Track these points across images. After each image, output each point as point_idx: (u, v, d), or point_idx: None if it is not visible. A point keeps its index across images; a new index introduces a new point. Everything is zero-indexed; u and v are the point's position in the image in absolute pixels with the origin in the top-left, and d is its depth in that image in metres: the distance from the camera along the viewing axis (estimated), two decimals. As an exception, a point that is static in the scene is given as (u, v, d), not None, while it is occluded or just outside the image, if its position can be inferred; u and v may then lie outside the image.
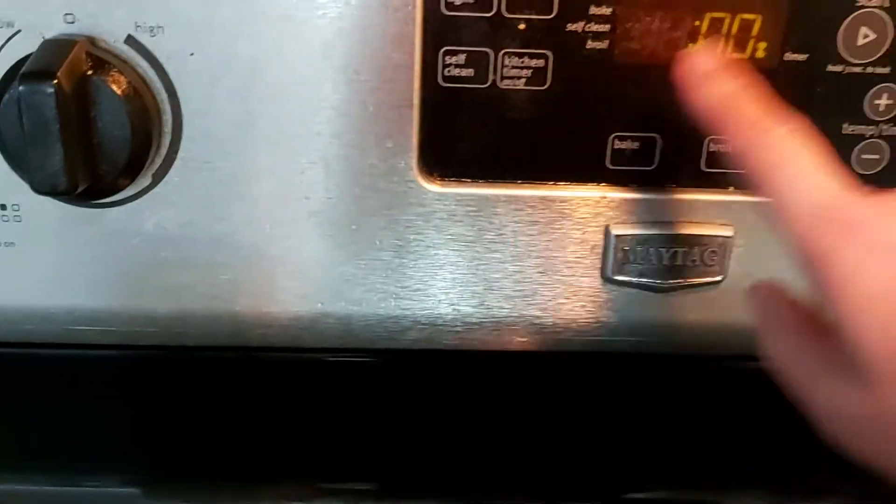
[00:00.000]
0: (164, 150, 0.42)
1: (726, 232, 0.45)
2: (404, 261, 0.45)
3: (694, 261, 0.45)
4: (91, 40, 0.40)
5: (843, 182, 0.35)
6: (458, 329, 0.47)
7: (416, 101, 0.42)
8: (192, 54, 0.41)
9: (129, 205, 0.43)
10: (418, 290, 0.46)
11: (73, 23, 0.40)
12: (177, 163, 0.43)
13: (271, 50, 0.41)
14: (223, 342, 0.48)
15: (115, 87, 0.40)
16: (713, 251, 0.45)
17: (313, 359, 0.49)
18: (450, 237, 0.45)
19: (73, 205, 0.43)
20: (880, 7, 0.41)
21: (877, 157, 0.44)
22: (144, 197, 0.43)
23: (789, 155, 0.36)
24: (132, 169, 0.41)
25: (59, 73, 0.37)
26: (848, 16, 0.41)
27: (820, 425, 0.36)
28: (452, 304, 0.47)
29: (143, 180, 0.43)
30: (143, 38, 0.40)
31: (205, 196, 0.43)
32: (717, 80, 0.39)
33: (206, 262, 0.45)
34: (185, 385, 0.51)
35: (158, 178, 0.43)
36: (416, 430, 0.51)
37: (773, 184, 0.36)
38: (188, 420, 0.51)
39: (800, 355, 0.37)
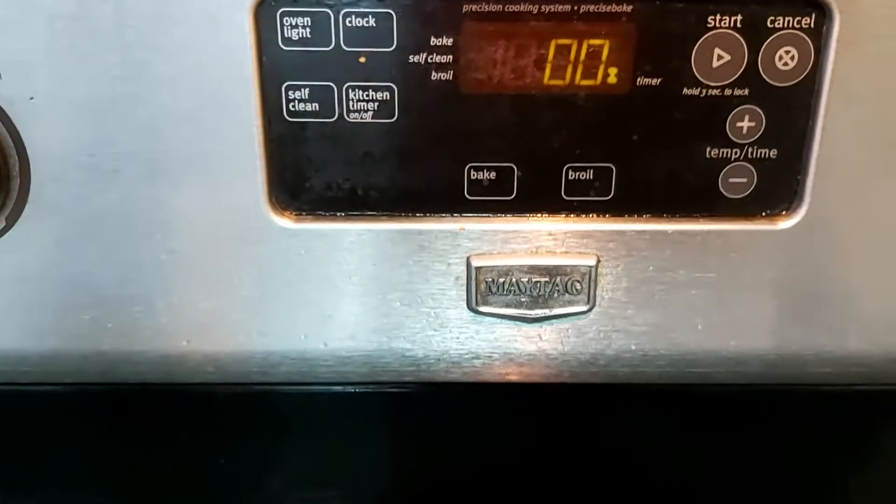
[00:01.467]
0: (13, 194, 0.42)
1: (589, 261, 0.44)
2: (266, 298, 0.45)
3: (558, 291, 0.44)
4: (-69, 88, 0.40)
5: None
6: (330, 363, 0.47)
7: (261, 137, 0.41)
8: (32, 99, 0.40)
9: (-15, 248, 0.43)
10: (283, 326, 0.45)
11: None
12: (28, 206, 0.42)
13: (109, 94, 0.40)
14: (95, 379, 0.47)
15: (-46, 134, 0.40)
16: (577, 281, 0.44)
17: (187, 392, 0.48)
18: (309, 273, 0.44)
19: (-75, 250, 0.43)
20: (732, 28, 0.40)
21: (744, 180, 0.43)
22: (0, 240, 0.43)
23: None
24: (-21, 214, 0.41)
25: None
26: (699, 38, 0.40)
27: None
28: (321, 339, 0.46)
29: (-4, 224, 0.43)
30: (-18, 85, 0.40)
31: (59, 238, 0.43)
32: None
33: (67, 303, 0.45)
34: (64, 421, 0.51)
35: (12, 221, 0.43)
36: (292, 463, 0.50)
37: None
38: (67, 453, 0.51)
39: None
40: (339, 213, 0.43)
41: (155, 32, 0.39)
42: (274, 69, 0.40)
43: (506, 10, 0.40)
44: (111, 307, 0.45)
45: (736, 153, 0.42)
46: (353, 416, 0.50)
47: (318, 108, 0.41)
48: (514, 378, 0.47)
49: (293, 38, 0.40)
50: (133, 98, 0.40)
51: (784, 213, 0.43)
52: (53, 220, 0.43)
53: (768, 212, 0.43)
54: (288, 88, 0.41)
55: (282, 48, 0.40)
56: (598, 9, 0.40)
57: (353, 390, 0.48)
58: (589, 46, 0.40)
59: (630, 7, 0.40)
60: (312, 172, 0.43)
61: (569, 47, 0.40)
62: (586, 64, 0.41)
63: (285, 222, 0.43)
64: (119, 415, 0.50)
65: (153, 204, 0.43)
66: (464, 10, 0.40)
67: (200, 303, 0.45)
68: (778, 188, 0.43)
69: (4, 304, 0.45)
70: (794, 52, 0.40)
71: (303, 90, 0.41)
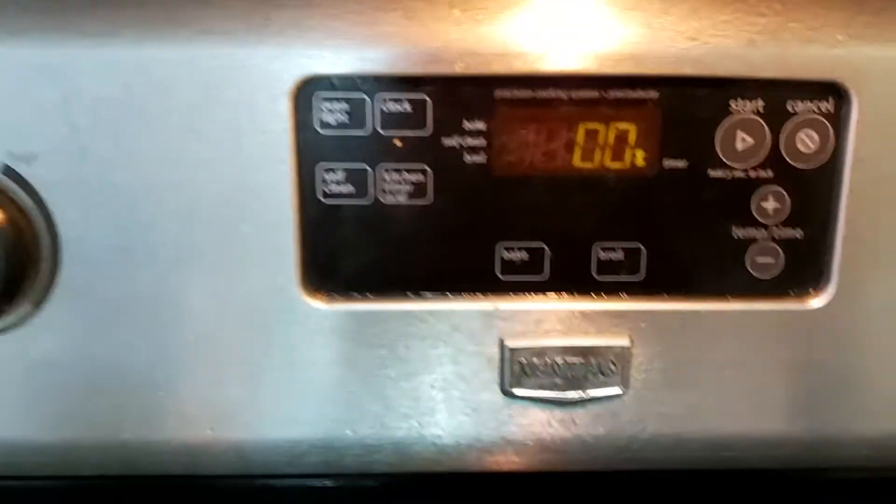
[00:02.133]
0: (43, 277, 0.42)
1: (623, 341, 0.44)
2: (295, 383, 0.44)
3: (593, 372, 0.44)
4: (-33, 170, 0.40)
5: None
6: (358, 452, 0.45)
7: (295, 219, 0.42)
8: (68, 182, 0.41)
9: (10, 333, 0.43)
10: (311, 412, 0.44)
11: (-52, 154, 0.40)
12: (57, 289, 0.42)
13: (146, 178, 0.41)
14: (113, 471, 0.46)
15: (-11, 217, 0.40)
16: (612, 361, 0.44)
17: (208, 486, 0.47)
18: (340, 356, 0.44)
19: (-50, 335, 0.42)
20: (754, 112, 0.41)
21: (771, 260, 0.44)
22: (26, 324, 0.43)
23: None
24: (8, 296, 0.41)
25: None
26: (722, 122, 0.42)
27: None
28: (350, 426, 0.45)
29: (24, 307, 0.42)
30: (20, 168, 0.41)
31: (86, 321, 0.43)
32: None
33: (90, 389, 0.44)
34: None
35: (39, 304, 0.42)
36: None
37: None
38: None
39: None
40: (371, 295, 0.43)
41: (197, 117, 0.40)
42: (310, 151, 0.41)
43: (536, 95, 0.41)
44: (136, 393, 0.44)
45: (762, 233, 0.43)
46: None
47: (352, 191, 0.42)
48: (549, 466, 0.46)
49: (330, 121, 0.41)
50: (171, 182, 0.41)
51: (812, 292, 0.44)
52: (81, 303, 0.42)
53: (796, 291, 0.44)
54: (323, 170, 0.42)
55: (318, 131, 0.41)
56: (624, 95, 0.41)
57: (378, 483, 0.47)
58: (617, 130, 0.42)
59: (655, 93, 0.41)
60: (346, 254, 0.43)
61: (597, 131, 0.42)
62: (614, 147, 0.42)
63: (318, 304, 0.43)
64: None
65: (184, 287, 0.42)
66: (496, 95, 0.41)
67: (227, 389, 0.44)
68: (805, 268, 0.44)
69: (25, 390, 0.44)
70: (814, 135, 0.42)
71: (338, 172, 0.42)
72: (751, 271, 0.44)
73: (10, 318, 0.42)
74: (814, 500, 0.48)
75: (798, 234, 0.43)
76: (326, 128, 0.41)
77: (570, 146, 0.42)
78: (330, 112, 0.41)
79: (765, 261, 0.44)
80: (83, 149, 0.40)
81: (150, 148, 0.41)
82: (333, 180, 0.42)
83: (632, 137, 0.42)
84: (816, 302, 0.44)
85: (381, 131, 0.41)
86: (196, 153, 0.41)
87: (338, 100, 0.41)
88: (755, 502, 0.48)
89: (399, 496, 0.48)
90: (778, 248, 0.43)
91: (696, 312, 0.44)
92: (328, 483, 0.47)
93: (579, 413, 0.45)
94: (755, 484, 0.48)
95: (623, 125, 0.42)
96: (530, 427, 0.45)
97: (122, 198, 0.41)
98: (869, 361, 0.45)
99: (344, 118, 0.41)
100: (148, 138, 0.40)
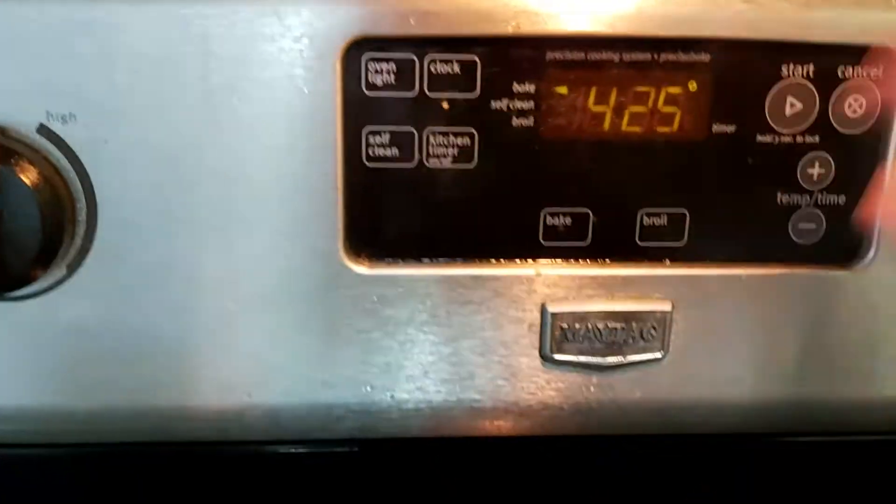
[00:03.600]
0: (78, 240, 0.41)
1: (664, 307, 0.44)
2: (334, 347, 0.43)
3: (633, 337, 0.44)
4: (1, 130, 0.39)
5: None
6: (394, 417, 0.45)
7: (339, 182, 0.41)
8: (106, 142, 0.39)
9: (43, 297, 0.41)
10: (350, 377, 0.44)
11: (-18, 113, 0.39)
12: (92, 252, 0.41)
13: (187, 138, 0.40)
14: (145, 438, 0.45)
15: (24, 178, 0.38)
16: (652, 327, 0.44)
17: (242, 452, 0.46)
18: (381, 321, 0.43)
19: (-18, 298, 0.41)
20: (805, 77, 0.41)
21: (813, 226, 0.44)
22: (59, 288, 0.41)
23: None
24: (44, 260, 0.39)
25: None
26: (772, 87, 0.41)
27: None
28: (387, 391, 0.45)
29: (58, 271, 0.41)
30: (56, 127, 0.39)
31: (122, 286, 0.42)
32: None
33: (125, 356, 0.43)
34: (110, 482, 0.48)
35: (73, 268, 0.41)
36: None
37: None
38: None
39: None
40: (414, 259, 0.43)
41: (239, 75, 0.39)
42: (356, 113, 0.40)
43: (588, 58, 0.40)
44: (172, 359, 0.43)
45: (806, 199, 0.43)
46: (414, 473, 0.48)
47: (397, 154, 0.41)
48: (584, 430, 0.46)
49: (377, 83, 0.40)
50: (212, 142, 0.40)
51: (853, 258, 0.44)
52: (117, 267, 0.41)
53: (837, 258, 0.44)
54: (369, 133, 0.41)
55: (365, 93, 0.40)
56: (676, 58, 0.41)
57: (413, 447, 0.46)
58: (667, 94, 0.41)
59: (707, 56, 0.41)
60: (389, 218, 0.42)
61: (647, 95, 0.41)
62: (663, 111, 0.41)
63: (361, 269, 0.42)
64: (166, 476, 0.47)
65: (224, 251, 0.41)
66: (547, 57, 0.40)
67: (265, 354, 0.43)
68: (847, 235, 0.44)
69: (57, 356, 0.43)
70: (862, 100, 0.42)
71: (383, 135, 0.41)
72: (793, 237, 0.44)
73: (43, 282, 0.41)
74: (845, 463, 0.49)
75: (841, 200, 0.43)
76: (373, 89, 0.40)
77: (619, 110, 0.41)
78: (377, 73, 0.40)
79: (807, 227, 0.44)
80: (122, 108, 0.39)
81: (190, 107, 0.39)
82: (379, 143, 0.41)
83: (681, 102, 0.41)
84: (857, 268, 0.44)
85: (428, 93, 0.40)
86: (238, 113, 0.39)
87: (385, 60, 0.39)
88: (791, 467, 0.48)
89: (435, 461, 0.47)
90: (821, 214, 0.43)
91: (738, 278, 0.44)
92: (356, 449, 0.47)
93: (617, 377, 0.45)
94: (790, 449, 0.48)
95: (673, 89, 0.41)
96: (567, 391, 0.45)
97: (160, 159, 0.40)
98: (905, 327, 0.45)
99: (391, 79, 0.40)
100: (188, 97, 0.39)
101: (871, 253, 0.44)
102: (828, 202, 0.43)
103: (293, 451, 0.47)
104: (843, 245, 0.44)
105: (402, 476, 0.48)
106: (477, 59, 0.40)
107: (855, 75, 0.41)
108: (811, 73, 0.41)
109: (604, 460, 0.48)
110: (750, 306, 0.44)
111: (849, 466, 0.49)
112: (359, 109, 0.40)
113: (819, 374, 0.46)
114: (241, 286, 0.42)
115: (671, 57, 0.41)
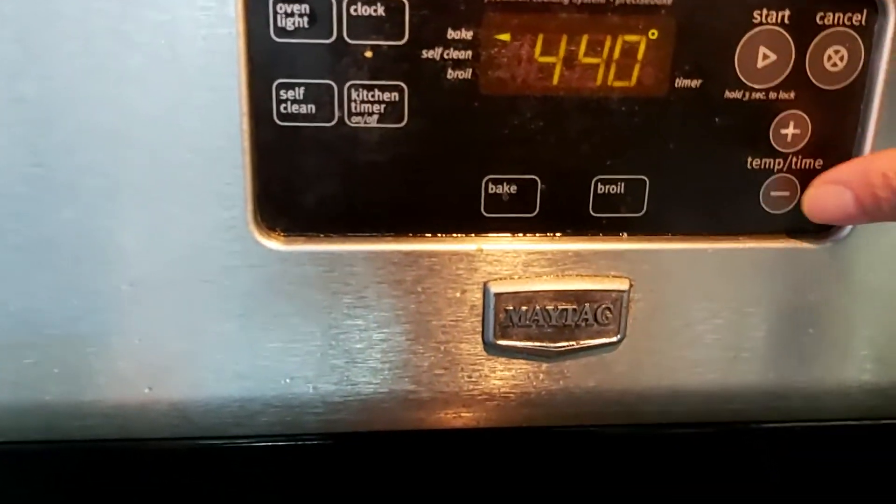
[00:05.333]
0: (-60, 213, 0.35)
1: (621, 285, 0.39)
2: (247, 334, 0.38)
3: (586, 320, 0.39)
4: None
5: None
6: (319, 410, 0.40)
7: (246, 143, 0.35)
8: (-33, 95, 0.34)
9: None
10: (266, 366, 0.39)
11: None
12: (-41, 227, 0.35)
13: (63, 93, 0.34)
14: (37, 436, 0.40)
15: None
16: (607, 308, 0.39)
17: (145, 449, 0.41)
18: (300, 303, 0.38)
19: None
20: (779, 24, 0.36)
21: (787, 193, 0.39)
22: (-79, 269, 0.36)
23: None
24: None
25: None
26: (743, 35, 0.36)
27: None
28: (309, 382, 0.39)
29: (-83, 249, 0.35)
30: None
31: (-3, 265, 0.36)
32: None
33: (6, 345, 0.37)
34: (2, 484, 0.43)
35: (-63, 245, 0.35)
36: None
37: None
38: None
39: None
40: (336, 234, 0.37)
41: (125, 18, 0.33)
42: (264, 64, 0.35)
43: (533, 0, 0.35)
44: (59, 349, 0.38)
45: (779, 164, 0.39)
46: (342, 472, 0.43)
47: (314, 111, 0.35)
48: (532, 421, 0.41)
49: (288, 27, 0.34)
50: (95, 97, 0.34)
51: (829, 230, 0.40)
52: (-10, 244, 0.36)
53: (812, 229, 0.40)
54: (280, 87, 0.35)
55: (274, 39, 0.34)
56: (635, 1, 0.35)
57: (342, 444, 0.42)
58: (624, 43, 0.36)
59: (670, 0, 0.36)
60: (306, 185, 0.37)
61: (602, 43, 0.36)
62: (620, 63, 0.36)
63: (273, 244, 0.37)
64: (63, 478, 0.42)
65: (114, 225, 0.36)
66: (486, -1, 0.35)
67: (167, 342, 0.38)
68: (823, 202, 0.39)
69: (-75, 347, 0.37)
70: (843, 51, 0.37)
71: (297, 89, 0.35)
72: (764, 206, 0.39)
73: None
74: (814, 455, 0.45)
75: (818, 164, 0.39)
76: (283, 35, 0.34)
77: (569, 61, 0.36)
78: (287, 15, 0.34)
79: (780, 194, 0.39)
80: (-18, 56, 0.33)
81: (67, 55, 0.33)
82: (292, 98, 0.35)
83: (641, 51, 0.36)
84: (833, 241, 0.39)
85: (348, 40, 0.35)
86: (124, 63, 0.34)
87: (298, 1, 0.34)
88: (752, 459, 0.44)
89: (366, 457, 0.43)
90: (795, 180, 0.39)
91: (703, 252, 0.39)
92: (283, 443, 0.42)
93: (569, 364, 0.40)
94: (753, 439, 0.44)
95: (631, 37, 0.36)
96: (514, 380, 0.40)
97: (35, 117, 0.34)
98: (886, 305, 0.41)
99: (304, 23, 0.34)
100: (65, 44, 0.33)
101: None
102: (803, 166, 0.39)
103: (205, 444, 0.41)
104: (819, 215, 0.39)
105: (329, 473, 0.43)
106: (405, 1, 0.34)
107: (836, 22, 0.36)
108: (786, 20, 0.36)
109: (554, 453, 0.43)
110: (715, 284, 0.40)
111: (820, 455, 0.45)
112: (267, 59, 0.34)
113: (790, 357, 0.41)
114: (135, 265, 0.37)
115: (628, 0, 0.35)
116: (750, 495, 0.45)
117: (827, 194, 0.37)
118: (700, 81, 0.37)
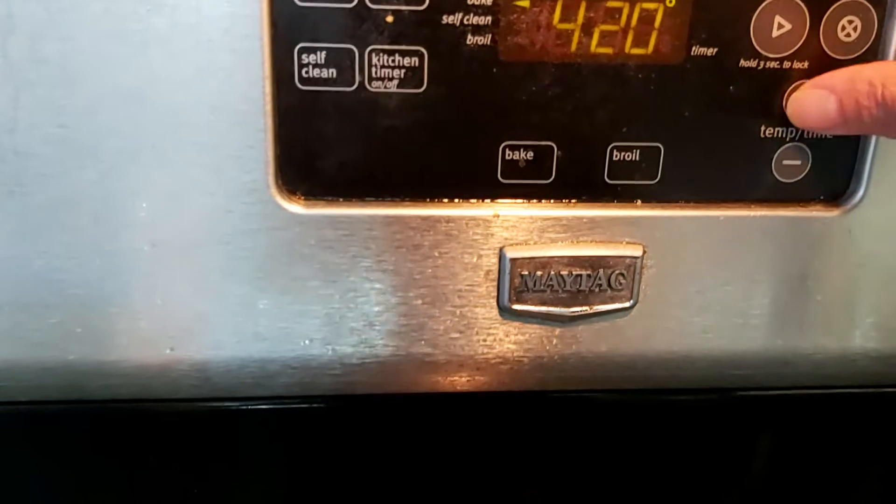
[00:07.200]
0: (-35, 173, 0.35)
1: (634, 252, 0.39)
2: (267, 296, 0.39)
3: (600, 285, 0.40)
4: None
5: None
6: (337, 372, 0.41)
7: (268, 107, 0.36)
8: (-8, 56, 0.34)
9: (-73, 239, 0.36)
10: (285, 328, 0.39)
11: None
12: (-17, 187, 0.36)
13: (86, 54, 0.34)
14: (59, 396, 0.40)
15: None
16: (620, 274, 0.40)
17: (164, 411, 0.41)
18: (319, 266, 0.38)
19: None
20: (795, -7, 0.37)
21: (799, 162, 0.40)
22: (-54, 229, 0.36)
23: None
24: (-77, 196, 0.34)
25: None
26: (759, 4, 0.37)
27: None
28: (328, 344, 0.40)
29: (-58, 209, 0.36)
30: (-71, 37, 0.33)
31: (20, 226, 0.36)
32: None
33: (29, 304, 0.38)
34: (22, 444, 0.43)
35: (-39, 205, 0.36)
36: (293, 490, 0.44)
37: None
38: (21, 483, 0.44)
39: None
40: (355, 198, 0.38)
41: (148, -20, 0.33)
42: (286, 28, 0.35)
43: (553, -34, 0.35)
44: (81, 309, 0.38)
45: (791, 133, 0.39)
46: (357, 433, 0.44)
47: (335, 75, 0.36)
48: (544, 385, 0.42)
49: (310, -9, 0.35)
50: (117, 58, 0.34)
51: (840, 198, 0.40)
52: (14, 204, 0.36)
53: (823, 197, 0.40)
54: (301, 51, 0.35)
55: (297, 3, 0.35)
56: (653, -32, 0.36)
57: (359, 405, 0.42)
58: (642, 10, 0.36)
59: (688, -33, 0.36)
60: (326, 149, 0.37)
61: (620, 10, 0.36)
62: (637, 30, 0.37)
63: (294, 207, 0.37)
64: (84, 437, 0.43)
65: (136, 186, 0.36)
66: (506, -35, 0.35)
67: (188, 303, 0.39)
68: (834, 172, 0.40)
69: (-51, 307, 0.38)
70: (857, 22, 0.37)
71: (319, 53, 0.35)
72: (776, 175, 0.40)
73: (-75, 222, 0.35)
74: (821, 421, 0.45)
75: (829, 134, 0.39)
76: (306, -1, 0.35)
77: (588, 28, 0.36)
78: (310, -21, 0.34)
79: (792, 163, 0.40)
80: (9, 16, 0.33)
81: (90, 16, 0.34)
82: (313, 63, 0.36)
83: (658, 19, 0.37)
84: (844, 209, 0.40)
85: (370, 5, 0.35)
86: (147, 24, 0.34)
87: (320, -36, 0.34)
88: (765, 422, 0.45)
89: (381, 419, 0.43)
90: (807, 148, 0.39)
91: (715, 219, 0.40)
92: (300, 405, 0.43)
93: (582, 329, 0.41)
94: (765, 403, 0.45)
95: (649, 4, 0.36)
96: (528, 344, 0.41)
97: (59, 77, 0.34)
98: (894, 273, 0.41)
99: (326, -13, 0.35)
100: (89, 4, 0.33)
101: (861, 192, 0.40)
102: (815, 136, 0.39)
103: (225, 406, 0.42)
104: (830, 183, 0.40)
105: (346, 435, 0.44)
106: (426, -34, 0.35)
107: (851, -8, 0.37)
108: (803, -11, 0.37)
109: (566, 417, 0.44)
110: (727, 251, 0.40)
111: (826, 421, 0.46)
112: (289, 22, 0.35)
113: (798, 324, 0.42)
114: (158, 226, 0.37)
115: (647, -33, 0.36)
116: (755, 460, 0.46)
117: (811, 98, 0.37)
118: (716, 50, 0.37)
